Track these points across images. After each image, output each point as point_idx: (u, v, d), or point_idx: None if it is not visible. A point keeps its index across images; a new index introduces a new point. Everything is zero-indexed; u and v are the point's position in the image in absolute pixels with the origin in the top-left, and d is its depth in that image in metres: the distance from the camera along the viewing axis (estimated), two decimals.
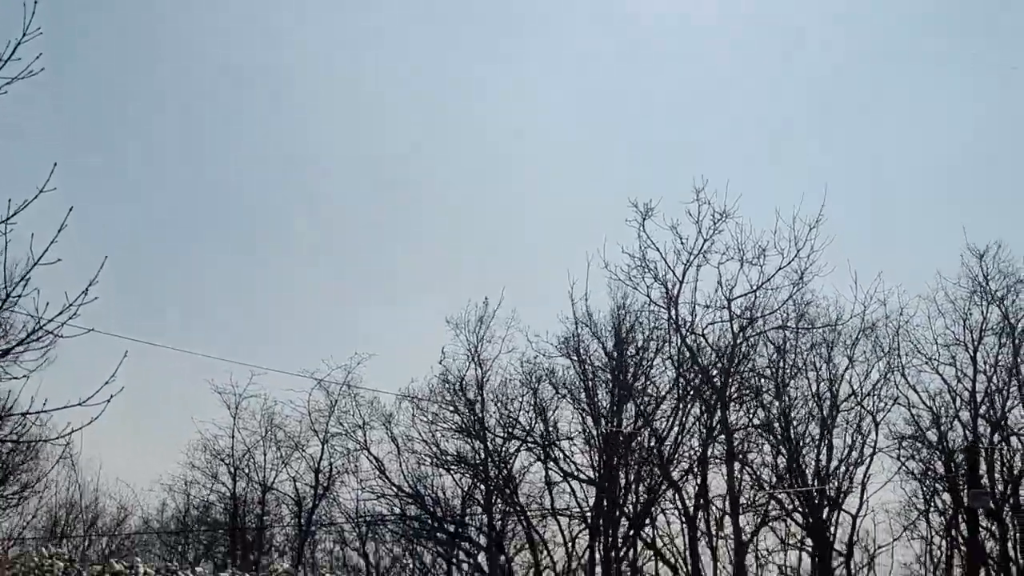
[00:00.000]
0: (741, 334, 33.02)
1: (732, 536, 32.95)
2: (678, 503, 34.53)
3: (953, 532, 36.44)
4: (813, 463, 37.20)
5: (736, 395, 34.89)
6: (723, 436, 33.20)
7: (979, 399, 37.65)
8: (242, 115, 62.33)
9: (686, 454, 35.44)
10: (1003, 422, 37.78)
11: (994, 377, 37.79)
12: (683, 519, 33.70)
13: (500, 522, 39.66)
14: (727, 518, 35.63)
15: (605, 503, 35.29)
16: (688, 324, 32.91)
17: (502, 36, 64.09)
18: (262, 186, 61.20)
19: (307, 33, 62.44)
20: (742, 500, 35.07)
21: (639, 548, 37.01)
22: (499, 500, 39.16)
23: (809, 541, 37.03)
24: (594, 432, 36.60)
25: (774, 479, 36.64)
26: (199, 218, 60.06)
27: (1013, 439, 37.89)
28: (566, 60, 63.17)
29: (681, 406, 34.69)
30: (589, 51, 63.81)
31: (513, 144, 61.36)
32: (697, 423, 34.89)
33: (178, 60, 61.75)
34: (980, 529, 36.66)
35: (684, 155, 60.04)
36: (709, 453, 35.36)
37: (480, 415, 38.48)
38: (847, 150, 58.07)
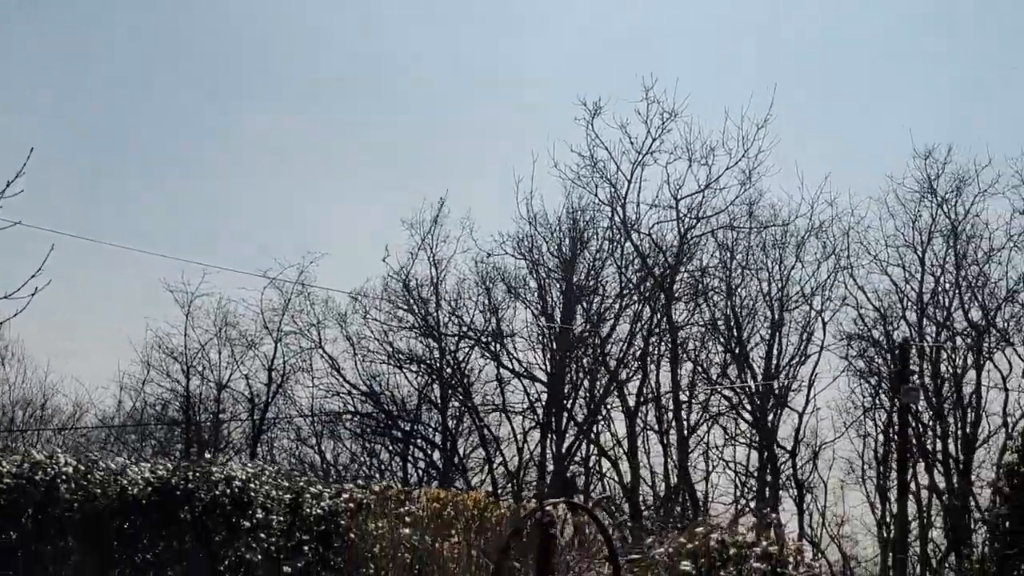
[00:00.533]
0: (688, 233, 33.26)
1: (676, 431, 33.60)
2: (622, 400, 35.07)
3: (891, 431, 37.25)
4: (763, 361, 37.91)
5: (683, 294, 35.30)
6: (668, 332, 33.64)
7: (926, 299, 38.32)
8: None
9: (635, 353, 35.92)
10: (948, 322, 38.49)
11: (941, 278, 38.43)
12: (625, 413, 34.31)
13: (455, 420, 40.19)
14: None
15: (553, 399, 35.83)
16: (635, 223, 33.10)
17: None
18: (214, 81, 59.95)
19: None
20: (686, 397, 35.72)
21: (589, 448, 37.70)
22: (453, 399, 39.63)
23: (761, 441, 37.83)
24: (545, 331, 37.00)
25: (721, 377, 37.31)
26: (150, 109, 58.79)
27: (958, 339, 38.64)
28: None
29: (626, 303, 35.11)
30: None
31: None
32: (640, 322, 35.34)
33: None
34: (923, 427, 37.60)
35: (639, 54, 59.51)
36: (660, 352, 35.95)
37: (435, 314, 38.77)
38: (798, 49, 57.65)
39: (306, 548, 13.62)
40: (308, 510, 13.76)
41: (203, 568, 12.92)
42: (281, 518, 13.52)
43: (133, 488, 12.76)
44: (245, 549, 13.10)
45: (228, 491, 13.07)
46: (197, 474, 13.03)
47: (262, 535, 13.24)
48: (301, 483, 14.06)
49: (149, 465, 13.17)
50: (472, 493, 16.22)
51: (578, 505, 13.98)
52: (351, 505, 14.09)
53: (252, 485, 13.33)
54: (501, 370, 37.96)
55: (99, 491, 12.65)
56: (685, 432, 34.29)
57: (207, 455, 13.84)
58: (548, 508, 9.96)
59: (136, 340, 41.12)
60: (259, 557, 13.13)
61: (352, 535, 14.02)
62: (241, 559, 13.05)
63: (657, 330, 34.88)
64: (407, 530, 14.20)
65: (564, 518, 15.12)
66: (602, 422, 37.73)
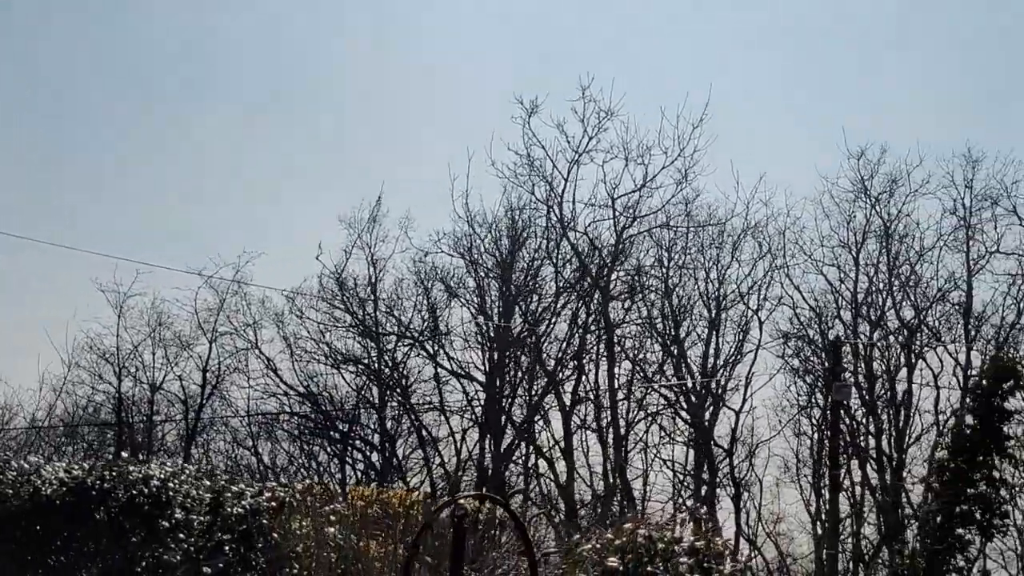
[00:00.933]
0: (624, 232, 33.25)
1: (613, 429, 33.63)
2: (558, 399, 35.01)
3: (824, 428, 37.57)
4: (700, 360, 38.03)
5: (620, 292, 35.36)
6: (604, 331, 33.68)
7: (860, 299, 38.68)
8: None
9: (572, 352, 35.87)
10: (882, 321, 38.89)
11: (875, 277, 38.81)
12: (561, 412, 34.31)
13: (393, 421, 39.85)
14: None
15: (491, 399, 35.71)
16: (571, 221, 33.04)
17: None
18: (148, 78, 59.13)
19: None
20: (622, 396, 35.78)
21: (528, 447, 37.57)
22: (391, 400, 39.30)
23: (696, 439, 37.94)
24: (484, 330, 36.88)
25: (659, 375, 37.44)
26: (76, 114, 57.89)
27: (890, 337, 39.07)
28: None
29: (564, 302, 35.10)
30: None
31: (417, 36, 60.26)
32: (577, 322, 35.35)
33: None
34: (856, 424, 38.01)
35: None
36: (598, 351, 35.96)
37: (374, 314, 38.42)
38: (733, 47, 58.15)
39: (227, 548, 13.37)
40: (229, 509, 13.50)
41: (120, 569, 12.63)
42: (201, 518, 13.27)
43: (47, 488, 12.45)
44: (164, 550, 12.82)
45: (146, 491, 12.80)
46: (114, 474, 12.75)
47: (181, 535, 12.98)
48: (222, 482, 13.81)
49: (64, 465, 12.86)
50: (398, 491, 16.05)
51: (491, 497, 13.84)
52: (274, 504, 13.85)
53: (171, 484, 13.07)
54: (439, 370, 37.74)
55: (11, 491, 12.32)
56: (622, 430, 34.32)
57: (124, 455, 13.49)
58: (461, 501, 9.81)
59: (68, 341, 40.28)
60: (178, 558, 12.87)
61: (275, 534, 13.78)
62: (159, 560, 12.78)
63: (593, 328, 34.89)
64: (332, 529, 13.98)
65: (497, 517, 15.01)
66: (541, 422, 37.68)
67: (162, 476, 13.00)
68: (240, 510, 13.56)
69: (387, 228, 38.12)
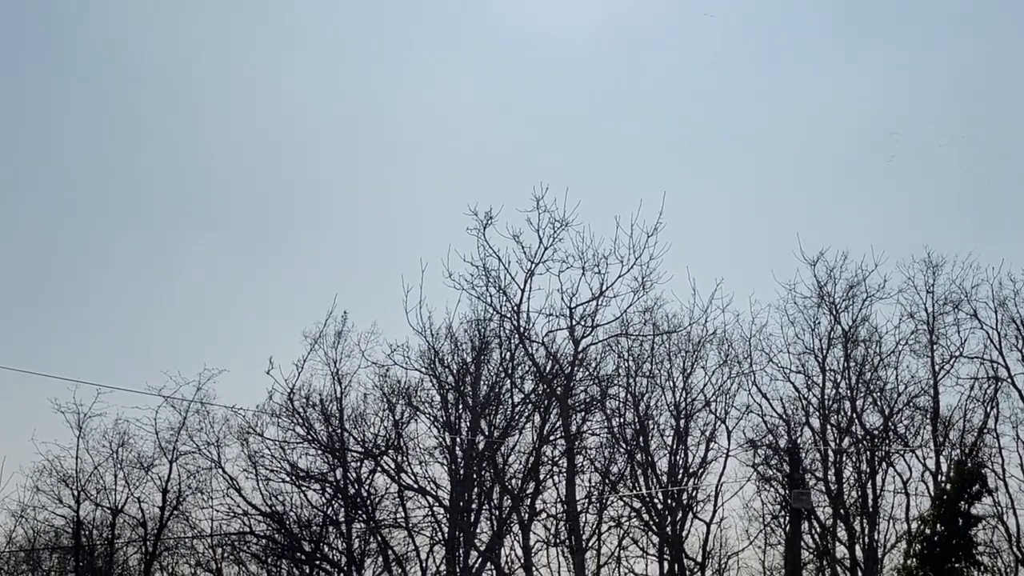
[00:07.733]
0: (582, 341, 33.01)
1: (579, 545, 32.97)
2: (517, 514, 34.35)
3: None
4: (667, 468, 37.58)
5: (580, 405, 35.02)
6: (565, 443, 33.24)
7: (828, 405, 38.40)
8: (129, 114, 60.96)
9: (532, 464, 35.31)
10: (851, 427, 38.60)
11: (841, 384, 38.61)
12: (520, 526, 33.65)
13: (359, 540, 39.00)
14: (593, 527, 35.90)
15: (462, 516, 35.04)
16: (527, 331, 32.75)
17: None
18: (110, 192, 59.66)
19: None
20: (586, 508, 35.23)
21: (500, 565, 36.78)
22: (357, 518, 38.52)
23: (661, 549, 37.27)
24: (447, 446, 36.36)
25: (624, 485, 36.93)
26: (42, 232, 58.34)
27: (859, 444, 38.73)
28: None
29: (527, 415, 34.70)
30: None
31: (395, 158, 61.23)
32: (535, 432, 34.92)
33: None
34: (824, 531, 37.47)
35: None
36: (563, 464, 35.43)
37: (339, 431, 37.85)
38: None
39: None
40: None
41: None
42: None
43: None
44: None
45: None
46: None
47: None
48: None
49: None
50: None
51: None
52: None
53: None
54: (403, 485, 37.05)
55: None
56: (583, 544, 33.61)
57: None
58: None
59: (27, 464, 39.65)
60: None
61: None
62: None
63: (551, 439, 34.42)
64: None
65: None
66: (509, 537, 36.95)
67: None
68: None
69: (353, 342, 37.90)
